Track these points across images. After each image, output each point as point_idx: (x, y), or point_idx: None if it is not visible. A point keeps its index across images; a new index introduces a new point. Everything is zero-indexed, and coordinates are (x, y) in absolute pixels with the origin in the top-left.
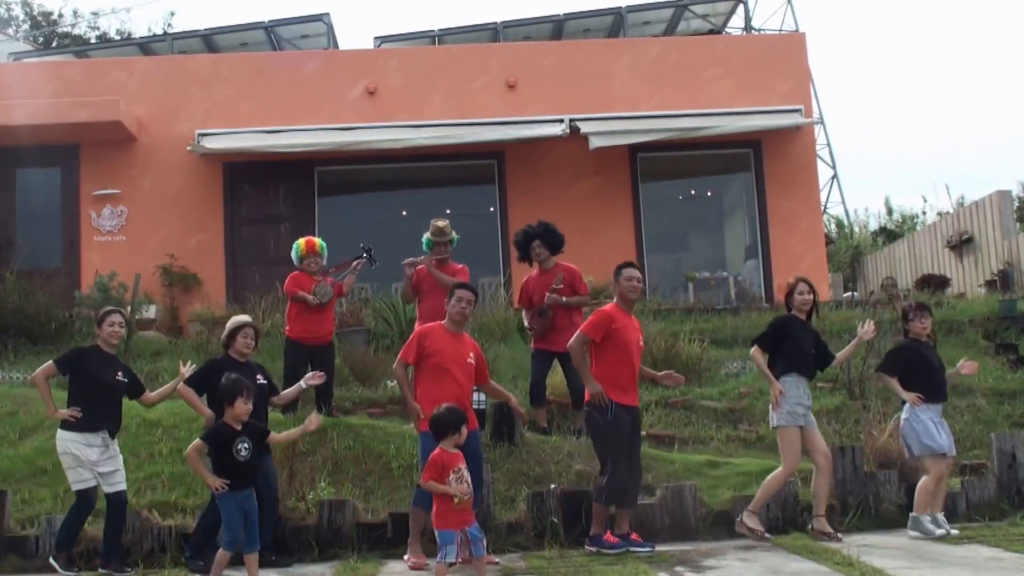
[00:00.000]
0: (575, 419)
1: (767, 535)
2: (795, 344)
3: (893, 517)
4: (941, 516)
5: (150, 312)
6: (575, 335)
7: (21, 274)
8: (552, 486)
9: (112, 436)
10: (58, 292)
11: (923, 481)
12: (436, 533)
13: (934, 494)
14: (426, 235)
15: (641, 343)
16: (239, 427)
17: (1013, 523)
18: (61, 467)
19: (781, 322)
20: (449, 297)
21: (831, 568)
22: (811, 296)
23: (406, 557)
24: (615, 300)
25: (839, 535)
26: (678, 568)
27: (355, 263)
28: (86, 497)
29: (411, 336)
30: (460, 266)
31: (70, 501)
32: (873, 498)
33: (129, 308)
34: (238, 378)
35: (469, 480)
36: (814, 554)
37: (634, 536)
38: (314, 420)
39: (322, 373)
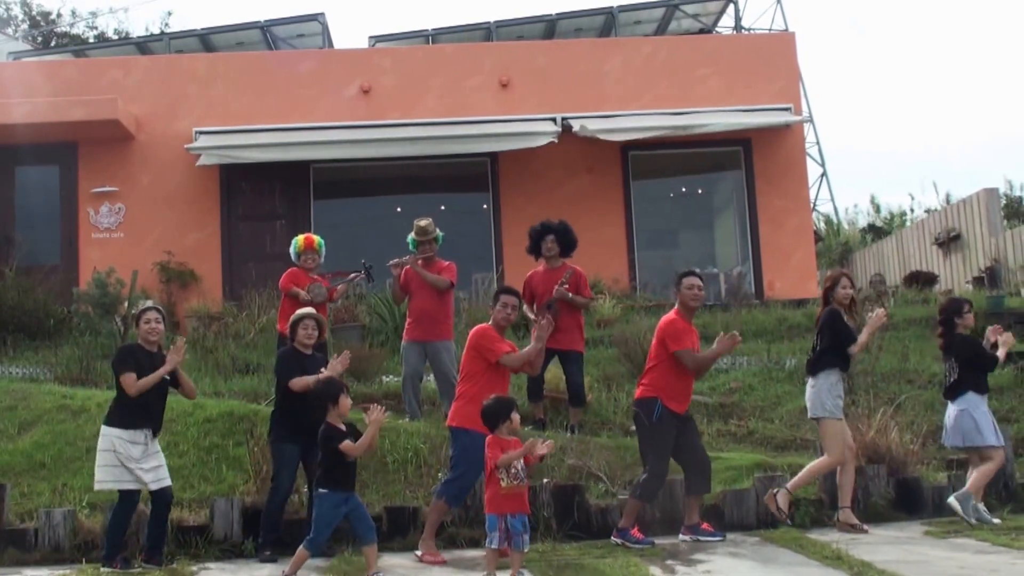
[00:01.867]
0: (569, 415)
1: (788, 522)
2: (845, 337)
3: (881, 511)
4: (982, 506)
5: None
6: (683, 354)
7: (20, 271)
8: (545, 480)
9: (155, 435)
10: (56, 288)
11: (985, 467)
12: (486, 517)
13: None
14: (410, 235)
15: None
16: (344, 427)
17: (1000, 517)
18: (60, 461)
19: (837, 316)
20: (494, 302)
21: (820, 562)
22: (852, 291)
23: (418, 553)
24: (676, 307)
25: (865, 527)
26: (669, 561)
27: (353, 275)
28: (130, 498)
29: (486, 334)
30: (447, 263)
31: (68, 495)
32: (862, 492)
33: (126, 304)
34: (332, 378)
35: (521, 469)
36: (803, 548)
37: (705, 526)
38: (376, 412)
39: (347, 354)
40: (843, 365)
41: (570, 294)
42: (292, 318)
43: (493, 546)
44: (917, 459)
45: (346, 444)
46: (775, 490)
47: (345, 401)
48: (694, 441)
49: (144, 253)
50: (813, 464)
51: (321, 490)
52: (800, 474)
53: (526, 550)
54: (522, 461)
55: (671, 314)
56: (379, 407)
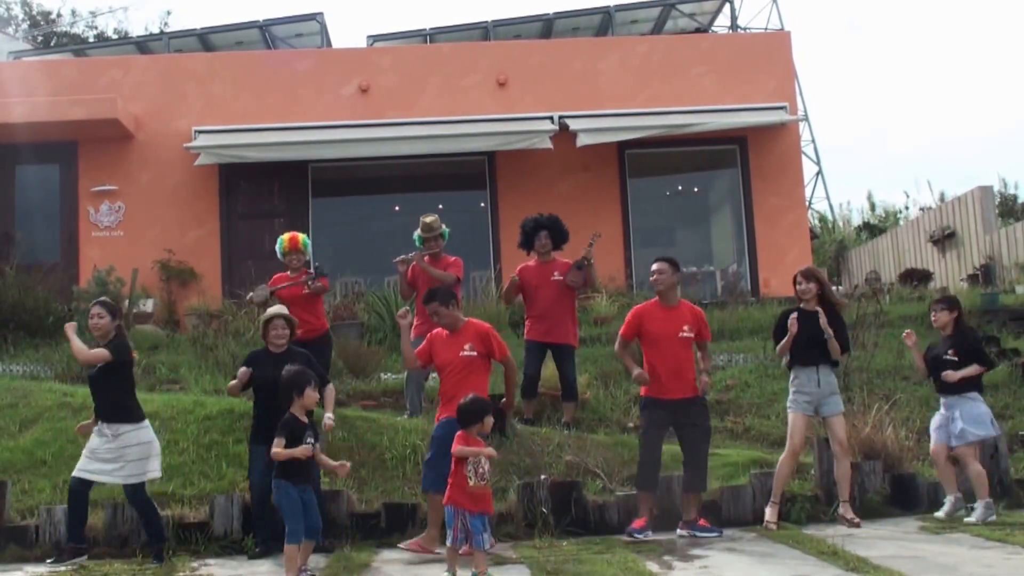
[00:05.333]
0: (565, 411)
1: (772, 526)
2: (798, 336)
3: (877, 507)
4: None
5: (147, 306)
6: (619, 340)
7: (20, 269)
8: (542, 476)
9: None
10: (56, 287)
11: (975, 469)
12: (444, 511)
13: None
14: (416, 231)
15: (684, 334)
16: (306, 420)
17: (995, 513)
18: (61, 458)
19: (783, 315)
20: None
21: (817, 557)
22: (809, 285)
23: (403, 545)
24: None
25: (858, 521)
26: (666, 557)
27: (303, 278)
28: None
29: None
30: (453, 259)
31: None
32: (857, 488)
33: (127, 302)
34: (301, 369)
35: (487, 471)
36: (800, 543)
37: (702, 522)
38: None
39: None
40: (800, 362)
41: (591, 257)
42: (262, 318)
43: (451, 544)
44: (912, 455)
45: (274, 450)
46: (768, 510)
47: (311, 394)
48: (687, 436)
49: (144, 251)
50: (777, 468)
51: (282, 481)
52: (774, 483)
53: (488, 548)
54: (487, 463)
55: (646, 302)
56: (345, 465)
